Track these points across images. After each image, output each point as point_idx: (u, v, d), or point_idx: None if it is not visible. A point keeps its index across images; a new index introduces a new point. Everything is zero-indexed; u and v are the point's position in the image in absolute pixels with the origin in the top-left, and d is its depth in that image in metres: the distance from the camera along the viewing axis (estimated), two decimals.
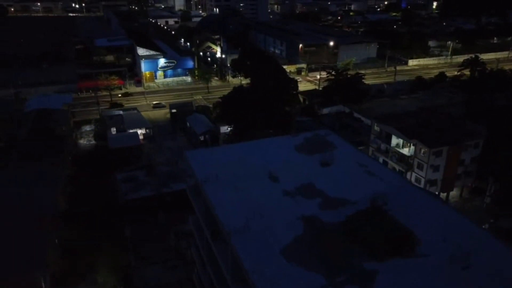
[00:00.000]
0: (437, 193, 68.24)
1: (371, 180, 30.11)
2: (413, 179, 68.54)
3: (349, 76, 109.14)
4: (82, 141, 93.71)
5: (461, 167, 67.89)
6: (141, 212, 62.75)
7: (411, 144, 67.29)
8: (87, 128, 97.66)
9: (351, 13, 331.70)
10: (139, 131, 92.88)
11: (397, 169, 71.11)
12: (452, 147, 64.91)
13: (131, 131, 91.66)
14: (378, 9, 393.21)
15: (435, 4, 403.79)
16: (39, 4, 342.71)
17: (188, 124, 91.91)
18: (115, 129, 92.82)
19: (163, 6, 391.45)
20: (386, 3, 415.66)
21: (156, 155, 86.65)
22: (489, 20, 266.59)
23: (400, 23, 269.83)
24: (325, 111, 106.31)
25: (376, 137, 75.47)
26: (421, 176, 66.59)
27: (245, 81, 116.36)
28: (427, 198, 29.05)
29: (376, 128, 75.71)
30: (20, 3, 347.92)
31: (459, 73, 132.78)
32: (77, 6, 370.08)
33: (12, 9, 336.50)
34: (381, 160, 75.24)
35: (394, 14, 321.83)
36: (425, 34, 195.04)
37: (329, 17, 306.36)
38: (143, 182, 68.88)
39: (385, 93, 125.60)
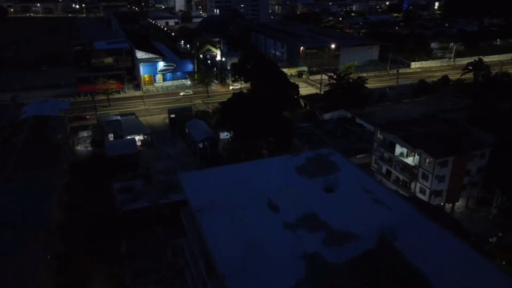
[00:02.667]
0: (442, 204, 66.54)
1: (378, 209, 28.04)
2: (417, 189, 66.80)
3: (351, 80, 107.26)
4: (80, 147, 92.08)
5: (467, 177, 66.09)
6: (138, 224, 60.98)
7: (416, 154, 65.43)
8: (85, 134, 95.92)
9: (352, 14, 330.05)
10: (137, 137, 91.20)
11: (401, 179, 69.39)
12: (458, 157, 63.05)
13: (129, 137, 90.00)
14: (380, 10, 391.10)
15: (436, 4, 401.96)
16: (38, 5, 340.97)
17: (187, 130, 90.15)
18: (112, 136, 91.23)
19: (163, 7, 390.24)
20: (387, 3, 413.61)
21: (154, 162, 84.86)
22: (491, 21, 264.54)
23: (402, 24, 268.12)
24: (327, 116, 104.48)
25: (379, 145, 73.62)
26: (426, 187, 64.77)
27: (245, 86, 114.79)
28: (441, 233, 26.50)
29: (379, 136, 73.88)
30: (20, 4, 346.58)
31: (462, 76, 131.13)
32: (77, 6, 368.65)
33: (12, 10, 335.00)
34: (384, 169, 73.58)
35: (395, 15, 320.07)
36: (428, 36, 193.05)
37: (330, 18, 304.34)
38: (140, 192, 66.96)
39: (387, 97, 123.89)
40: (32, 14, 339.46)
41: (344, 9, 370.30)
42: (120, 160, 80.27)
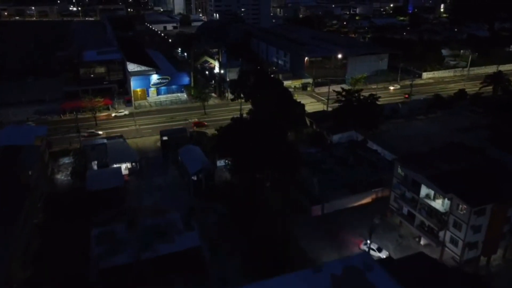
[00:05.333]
0: (477, 256, 56.51)
1: None
2: (447, 239, 56.78)
3: (362, 97, 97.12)
4: (60, 176, 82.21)
5: (507, 224, 56.08)
6: (118, 285, 51.21)
7: (447, 198, 55.40)
8: (66, 160, 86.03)
9: (356, 17, 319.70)
10: (124, 166, 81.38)
11: (427, 224, 59.34)
12: (498, 204, 53.04)
13: (115, 165, 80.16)
14: (384, 12, 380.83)
15: (442, 6, 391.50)
16: (33, 8, 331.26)
17: (180, 158, 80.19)
18: (96, 163, 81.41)
19: (162, 10, 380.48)
20: (391, 5, 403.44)
21: (142, 195, 74.99)
22: (502, 25, 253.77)
23: (408, 28, 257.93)
24: (335, 138, 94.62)
25: (401, 183, 63.59)
26: (459, 238, 54.73)
27: (244, 102, 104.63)
28: None
29: (400, 171, 63.86)
30: (14, 7, 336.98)
31: (480, 90, 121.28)
32: (74, 8, 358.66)
33: (6, 13, 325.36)
34: (405, 210, 63.52)
35: (401, 18, 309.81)
36: (439, 43, 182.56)
37: (334, 22, 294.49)
38: (122, 241, 57.11)
39: (399, 113, 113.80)
40: (26, 18, 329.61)
41: (348, 12, 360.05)
42: (103, 195, 70.47)
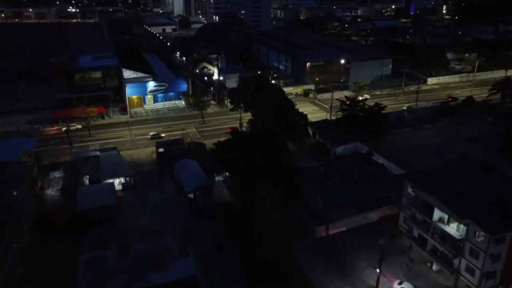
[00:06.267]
0: (494, 286, 52.31)
1: None
2: (462, 267, 52.57)
3: (367, 107, 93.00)
4: (50, 192, 78.03)
5: None
6: None
7: (463, 224, 51.22)
8: (57, 174, 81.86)
9: (358, 19, 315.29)
10: (118, 180, 77.24)
11: (440, 250, 55.15)
12: None
13: (108, 181, 76.03)
14: (386, 14, 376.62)
15: (444, 7, 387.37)
16: (31, 10, 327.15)
17: (176, 173, 76.01)
18: (88, 178, 77.25)
19: (161, 11, 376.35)
20: (393, 7, 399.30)
21: (136, 214, 70.84)
22: (506, 28, 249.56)
23: (411, 31, 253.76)
24: (339, 150, 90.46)
25: (411, 204, 59.41)
26: (476, 267, 50.53)
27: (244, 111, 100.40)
28: None
29: (410, 191, 59.70)
30: (12, 9, 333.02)
31: (488, 97, 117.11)
32: (73, 10, 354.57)
33: (3, 15, 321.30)
34: (416, 233, 59.33)
35: (404, 20, 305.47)
36: (443, 47, 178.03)
37: (336, 24, 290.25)
38: (112, 270, 52.94)
39: (405, 121, 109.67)
40: (24, 20, 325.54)
41: (349, 14, 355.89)
42: (94, 214, 66.41)
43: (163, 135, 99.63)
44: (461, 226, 51.70)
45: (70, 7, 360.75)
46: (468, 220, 50.19)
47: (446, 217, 54.11)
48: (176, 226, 66.42)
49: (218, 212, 68.96)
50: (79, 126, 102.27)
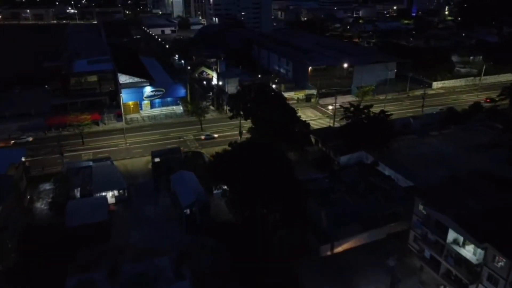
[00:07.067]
0: None
1: None
2: None
3: (372, 114, 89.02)
4: (40, 205, 74.13)
5: None
6: None
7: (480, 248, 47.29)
8: (47, 186, 77.96)
9: (360, 21, 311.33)
10: (111, 193, 73.36)
11: (454, 273, 51.20)
12: None
13: (101, 194, 72.15)
14: (388, 15, 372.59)
15: (446, 8, 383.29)
16: (28, 11, 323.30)
17: (172, 186, 72.07)
18: (79, 191, 73.32)
19: (160, 13, 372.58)
20: (395, 8, 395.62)
21: (129, 230, 66.88)
22: (510, 30, 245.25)
23: (414, 32, 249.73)
24: (343, 159, 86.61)
25: (422, 223, 55.48)
26: None
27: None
28: None
29: (422, 209, 55.78)
30: (9, 10, 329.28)
31: (497, 103, 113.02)
32: (72, 10, 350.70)
33: (0, 17, 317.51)
34: (428, 254, 55.39)
35: (406, 22, 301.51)
36: (448, 49, 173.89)
37: (337, 25, 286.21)
38: None
39: (411, 128, 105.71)
40: (21, 22, 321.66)
41: (351, 15, 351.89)
42: (84, 231, 62.50)
43: (216, 135, 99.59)
44: (479, 249, 47.77)
45: (70, 8, 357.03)
46: (487, 244, 46.28)
47: (461, 238, 50.17)
48: (172, 244, 62.67)
49: (216, 229, 65.05)
50: (30, 139, 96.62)
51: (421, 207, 56.11)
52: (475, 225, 48.34)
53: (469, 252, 49.31)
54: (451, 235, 50.87)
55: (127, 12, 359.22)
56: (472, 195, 55.01)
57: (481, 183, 59.78)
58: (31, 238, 63.21)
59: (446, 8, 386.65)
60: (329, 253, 61.55)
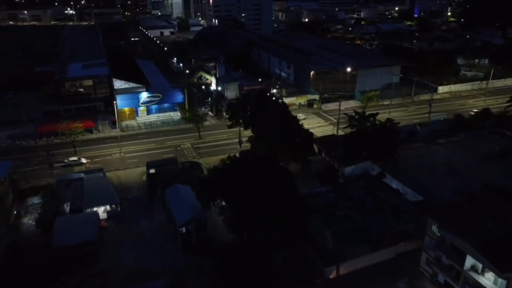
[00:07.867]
0: None
1: None
2: None
3: (378, 123, 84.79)
4: (27, 220, 70.03)
5: None
6: None
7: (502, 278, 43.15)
8: (35, 200, 73.86)
9: (362, 22, 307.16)
10: (102, 208, 69.28)
11: None
12: None
13: (93, 209, 68.08)
14: (389, 16, 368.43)
15: (449, 9, 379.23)
16: (25, 12, 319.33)
17: (167, 201, 67.89)
18: (69, 206, 69.19)
19: (160, 14, 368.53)
20: (396, 9, 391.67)
21: (121, 248, 62.69)
22: None
23: (417, 34, 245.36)
24: (348, 170, 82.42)
25: (436, 246, 51.33)
26: None
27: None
28: None
29: (436, 231, 51.64)
30: (7, 11, 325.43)
31: (505, 109, 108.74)
32: (70, 11, 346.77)
33: None
34: (442, 279, 51.22)
35: (408, 23, 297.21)
36: (453, 52, 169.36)
37: (339, 27, 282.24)
38: None
39: (417, 136, 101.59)
40: (18, 23, 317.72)
41: (352, 16, 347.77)
42: (72, 252, 58.46)
43: (84, 160, 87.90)
44: (500, 279, 43.63)
45: (68, 9, 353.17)
46: (509, 274, 42.13)
47: (480, 265, 46.03)
48: (166, 265, 58.64)
49: (213, 248, 60.95)
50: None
51: (434, 228, 51.96)
52: (496, 252, 44.21)
53: (489, 280, 45.21)
54: (469, 261, 46.72)
55: (126, 13, 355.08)
56: (489, 215, 50.88)
57: (497, 202, 55.64)
58: (16, 257, 59.25)
59: (449, 9, 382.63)
60: (334, 275, 57.45)
